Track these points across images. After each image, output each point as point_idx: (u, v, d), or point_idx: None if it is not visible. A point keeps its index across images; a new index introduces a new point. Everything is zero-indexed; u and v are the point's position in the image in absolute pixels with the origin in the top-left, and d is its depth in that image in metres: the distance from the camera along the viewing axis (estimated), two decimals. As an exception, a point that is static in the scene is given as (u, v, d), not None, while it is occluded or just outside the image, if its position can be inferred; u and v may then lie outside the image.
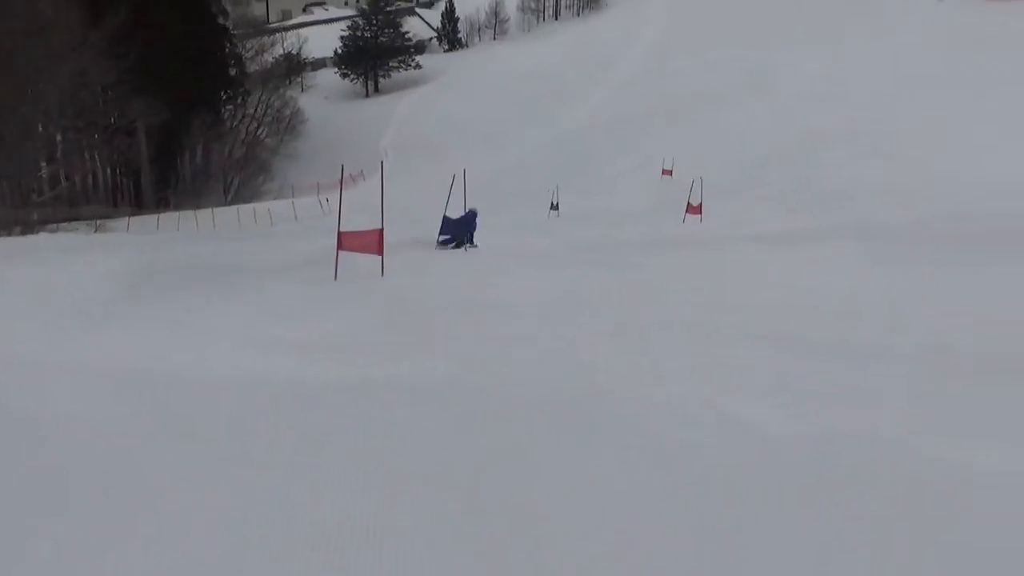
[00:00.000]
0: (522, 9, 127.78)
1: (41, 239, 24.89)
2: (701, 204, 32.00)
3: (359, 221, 19.17)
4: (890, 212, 30.15)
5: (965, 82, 58.43)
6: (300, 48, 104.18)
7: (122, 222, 46.72)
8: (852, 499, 5.55)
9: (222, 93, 72.50)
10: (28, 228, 33.72)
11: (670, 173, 51.23)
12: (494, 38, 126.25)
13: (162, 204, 59.12)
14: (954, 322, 11.54)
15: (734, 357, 9.62)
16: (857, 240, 21.19)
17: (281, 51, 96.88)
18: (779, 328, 11.36)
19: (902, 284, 15.22)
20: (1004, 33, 67.13)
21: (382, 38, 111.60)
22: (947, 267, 17.10)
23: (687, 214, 31.32)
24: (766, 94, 68.21)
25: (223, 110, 73.02)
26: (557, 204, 42.17)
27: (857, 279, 15.91)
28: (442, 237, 22.82)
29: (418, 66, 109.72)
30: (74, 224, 40.59)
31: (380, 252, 17.04)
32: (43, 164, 46.49)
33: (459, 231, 23.17)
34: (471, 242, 25.60)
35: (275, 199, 64.80)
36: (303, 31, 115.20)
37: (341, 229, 16.92)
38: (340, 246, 16.83)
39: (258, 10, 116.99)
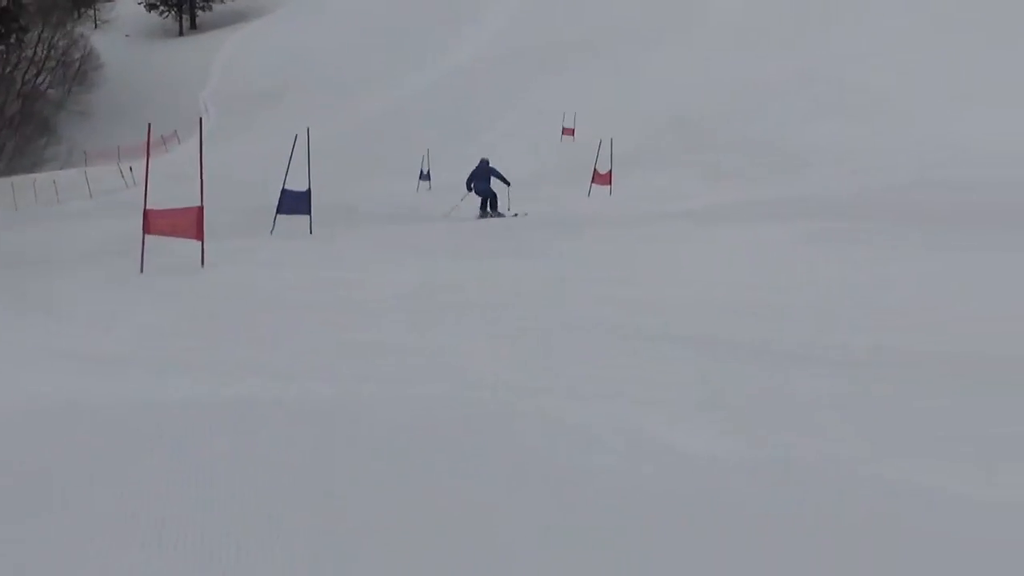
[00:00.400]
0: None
1: None
2: (611, 172, 32.71)
3: (172, 196, 18.93)
4: (846, 182, 30.95)
5: (948, 29, 60.13)
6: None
7: None
8: (813, 536, 5.61)
9: (-13, 30, 70.76)
10: None
11: (572, 133, 52.00)
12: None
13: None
14: (910, 319, 11.87)
15: (655, 366, 9.70)
16: (808, 217, 21.65)
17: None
18: (707, 330, 11.53)
19: (851, 272, 15.58)
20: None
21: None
22: (915, 249, 17.54)
23: (593, 185, 31.88)
24: (698, 30, 69.32)
25: (-11, 52, 71.24)
26: (428, 173, 42.52)
27: (802, 267, 16.24)
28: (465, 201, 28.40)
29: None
30: None
31: (199, 237, 16.82)
32: None
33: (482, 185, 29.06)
34: (494, 208, 29.33)
35: (62, 168, 63.76)
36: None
37: (148, 207, 16.66)
38: (147, 229, 16.58)
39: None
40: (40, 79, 76.88)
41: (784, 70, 56.94)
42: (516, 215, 28.68)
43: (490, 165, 30.09)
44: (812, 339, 10.73)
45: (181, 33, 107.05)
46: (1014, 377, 9.01)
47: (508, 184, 29.50)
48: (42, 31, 77.25)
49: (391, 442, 7.33)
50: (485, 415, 8.02)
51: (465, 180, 29.88)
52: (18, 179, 55.87)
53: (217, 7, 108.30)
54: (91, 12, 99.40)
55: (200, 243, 16.75)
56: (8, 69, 72.75)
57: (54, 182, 52.92)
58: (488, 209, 29.48)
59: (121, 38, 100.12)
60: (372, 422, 7.87)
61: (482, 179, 29.65)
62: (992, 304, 12.58)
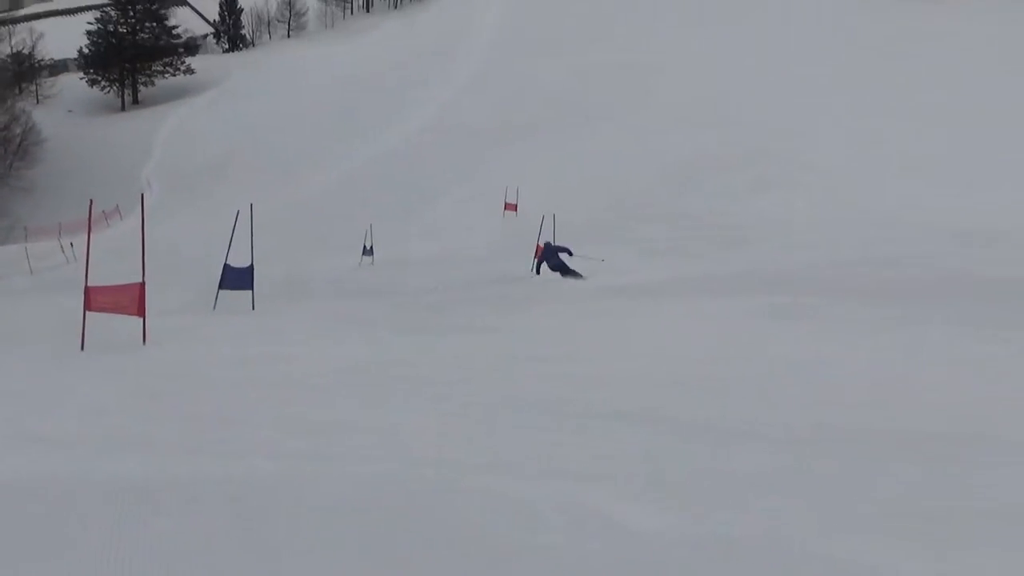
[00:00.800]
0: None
1: None
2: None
3: (114, 272, 18.82)
4: (788, 257, 31.25)
5: (876, 90, 61.16)
6: (34, 46, 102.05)
7: None
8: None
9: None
10: None
11: (514, 208, 52.45)
12: (288, 35, 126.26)
13: None
14: (854, 395, 11.93)
15: (599, 442, 9.72)
16: (750, 292, 21.82)
17: (8, 50, 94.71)
18: (652, 404, 11.54)
19: (794, 347, 15.67)
20: (917, 35, 70.73)
21: (142, 34, 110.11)
22: (858, 325, 17.69)
23: (537, 260, 32.14)
24: (643, 108, 70.09)
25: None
26: (371, 248, 42.66)
27: (746, 342, 16.32)
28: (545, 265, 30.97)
29: (190, 70, 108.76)
30: None
31: (141, 313, 16.72)
32: None
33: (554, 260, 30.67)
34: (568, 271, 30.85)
35: (3, 244, 63.19)
36: (37, 24, 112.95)
37: (90, 283, 16.55)
38: (89, 306, 16.45)
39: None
40: (-20, 154, 76.52)
41: (726, 146, 57.69)
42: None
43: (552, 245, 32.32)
44: (755, 415, 10.75)
45: (123, 108, 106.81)
46: (958, 452, 9.08)
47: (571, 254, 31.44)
48: (-18, 105, 77.06)
49: (333, 520, 7.28)
50: (428, 492, 7.99)
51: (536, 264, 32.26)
52: (-43, 254, 55.27)
53: (160, 82, 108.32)
54: (32, 87, 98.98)
55: (142, 320, 16.65)
56: (-54, 144, 72.53)
57: (-8, 258, 52.35)
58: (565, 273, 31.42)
59: (64, 113, 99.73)
60: (315, 500, 7.83)
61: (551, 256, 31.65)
62: (935, 380, 12.68)
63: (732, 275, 27.04)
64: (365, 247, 43.62)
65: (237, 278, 23.37)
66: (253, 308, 22.90)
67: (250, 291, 23.26)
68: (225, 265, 23.63)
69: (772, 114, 63.43)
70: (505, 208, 53.41)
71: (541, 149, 65.01)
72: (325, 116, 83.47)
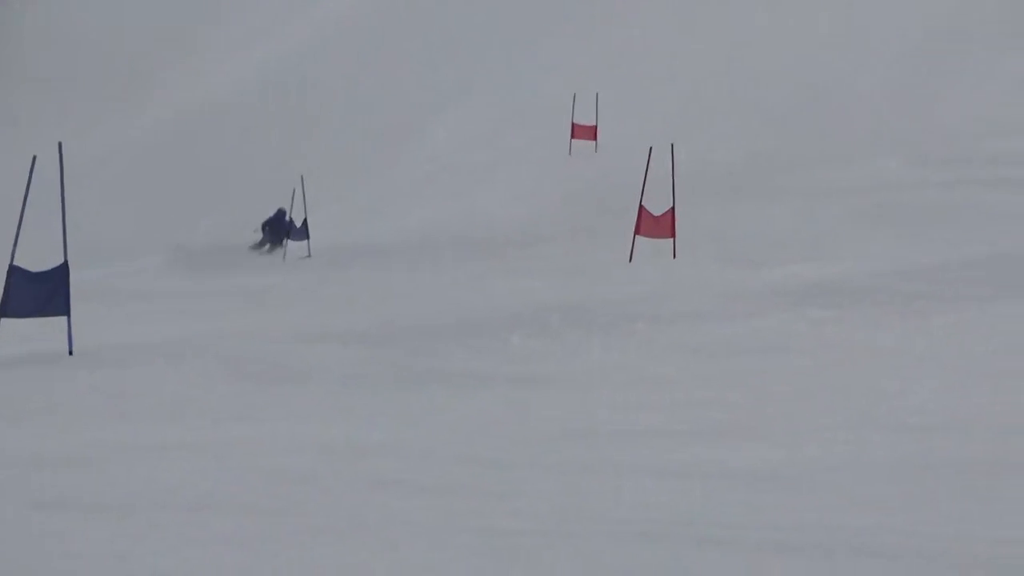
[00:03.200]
0: None
1: None
2: (673, 211, 23.30)
3: None
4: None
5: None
6: None
7: None
8: None
9: None
10: None
11: (592, 134, 36.82)
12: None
13: None
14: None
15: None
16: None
17: None
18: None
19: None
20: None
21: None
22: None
23: (641, 235, 22.61)
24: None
25: None
26: (303, 224, 31.22)
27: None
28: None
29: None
30: None
31: None
32: None
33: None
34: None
35: None
36: None
37: None
38: None
39: None
40: None
41: None
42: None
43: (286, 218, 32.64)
44: None
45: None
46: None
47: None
48: None
49: None
50: None
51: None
52: None
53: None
54: None
55: None
56: None
57: None
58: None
59: None
60: None
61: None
62: None
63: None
64: (286, 223, 32.96)
65: (36, 294, 14.97)
66: (71, 352, 14.93)
67: (65, 317, 14.91)
68: (11, 268, 15.06)
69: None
70: (573, 135, 37.37)
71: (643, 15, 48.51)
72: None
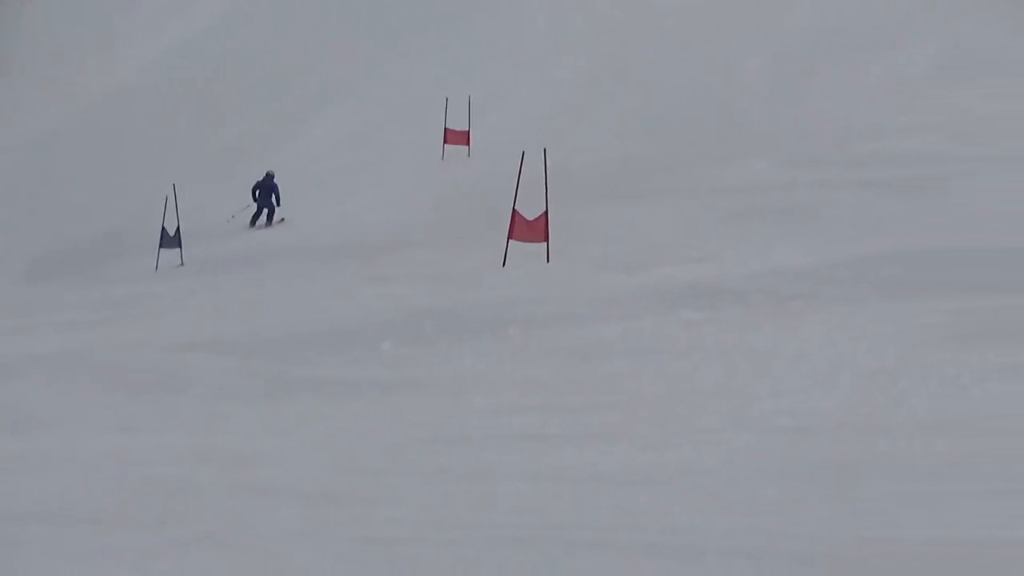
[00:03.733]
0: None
1: None
2: (546, 214, 23.14)
3: None
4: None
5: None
6: None
7: None
8: None
9: None
10: None
11: (464, 140, 36.63)
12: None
13: None
14: None
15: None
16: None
17: None
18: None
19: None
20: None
21: None
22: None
23: (514, 240, 22.67)
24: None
25: None
26: (176, 233, 29.96)
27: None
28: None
29: None
30: None
31: None
32: None
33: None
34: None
35: None
36: None
37: None
38: None
39: None
40: None
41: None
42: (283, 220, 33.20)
43: (274, 181, 33.32)
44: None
45: None
46: None
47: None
48: None
49: None
50: None
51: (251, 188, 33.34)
52: None
53: None
54: None
55: None
56: None
57: None
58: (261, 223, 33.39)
59: None
60: None
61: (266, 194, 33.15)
62: None
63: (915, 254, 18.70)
64: (164, 232, 30.69)
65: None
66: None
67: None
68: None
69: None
70: (446, 140, 36.77)
71: (515, 13, 47.96)
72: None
